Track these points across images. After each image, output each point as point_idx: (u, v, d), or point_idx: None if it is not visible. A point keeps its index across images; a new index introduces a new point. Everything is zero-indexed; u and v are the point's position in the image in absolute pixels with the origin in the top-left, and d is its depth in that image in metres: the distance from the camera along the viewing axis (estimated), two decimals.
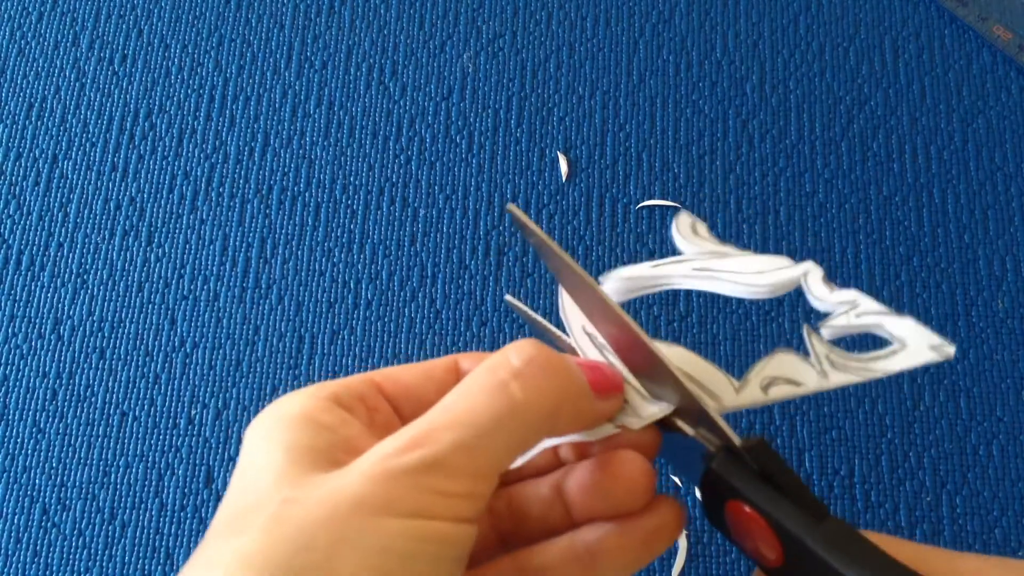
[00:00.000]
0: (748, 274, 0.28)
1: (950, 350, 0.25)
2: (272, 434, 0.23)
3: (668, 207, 0.49)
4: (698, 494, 0.40)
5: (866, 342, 0.26)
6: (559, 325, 0.31)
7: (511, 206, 0.25)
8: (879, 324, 0.26)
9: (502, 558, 0.26)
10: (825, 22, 0.54)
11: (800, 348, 0.27)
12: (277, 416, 0.24)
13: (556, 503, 0.27)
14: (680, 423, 0.26)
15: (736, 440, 0.25)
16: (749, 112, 0.52)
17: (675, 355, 0.27)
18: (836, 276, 0.48)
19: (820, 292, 0.27)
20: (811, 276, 0.28)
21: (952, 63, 0.53)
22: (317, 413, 0.24)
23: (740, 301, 0.47)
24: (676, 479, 0.44)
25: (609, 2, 0.54)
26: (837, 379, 0.26)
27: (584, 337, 0.29)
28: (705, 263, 0.29)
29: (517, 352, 0.23)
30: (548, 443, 0.27)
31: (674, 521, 0.26)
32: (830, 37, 0.53)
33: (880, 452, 0.44)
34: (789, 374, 0.26)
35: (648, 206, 0.49)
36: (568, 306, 0.30)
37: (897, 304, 0.47)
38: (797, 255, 0.48)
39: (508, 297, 0.33)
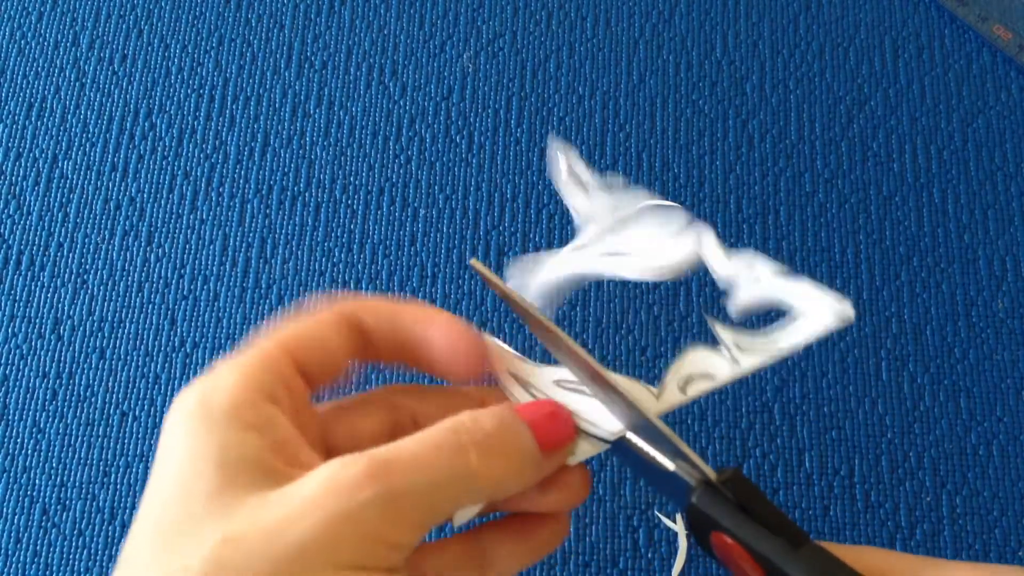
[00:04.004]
0: (651, 253, 0.28)
1: (849, 311, 0.25)
2: (199, 433, 0.23)
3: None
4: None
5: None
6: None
7: (474, 261, 0.26)
8: (780, 290, 0.26)
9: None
10: (825, 22, 0.54)
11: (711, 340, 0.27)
12: (203, 409, 0.24)
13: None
14: (648, 449, 0.27)
15: (712, 474, 0.25)
16: (749, 112, 0.52)
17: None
18: (836, 276, 0.48)
19: (718, 260, 0.28)
20: (705, 241, 0.28)
21: (952, 63, 0.53)
22: (244, 410, 0.24)
23: None
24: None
25: (609, 2, 0.54)
26: (748, 363, 0.26)
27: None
28: (610, 246, 0.29)
29: (489, 418, 0.25)
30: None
31: (578, 485, 0.27)
32: (830, 37, 0.53)
33: (880, 452, 0.44)
34: (703, 369, 0.26)
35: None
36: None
37: (897, 304, 0.47)
38: (797, 255, 0.48)
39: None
